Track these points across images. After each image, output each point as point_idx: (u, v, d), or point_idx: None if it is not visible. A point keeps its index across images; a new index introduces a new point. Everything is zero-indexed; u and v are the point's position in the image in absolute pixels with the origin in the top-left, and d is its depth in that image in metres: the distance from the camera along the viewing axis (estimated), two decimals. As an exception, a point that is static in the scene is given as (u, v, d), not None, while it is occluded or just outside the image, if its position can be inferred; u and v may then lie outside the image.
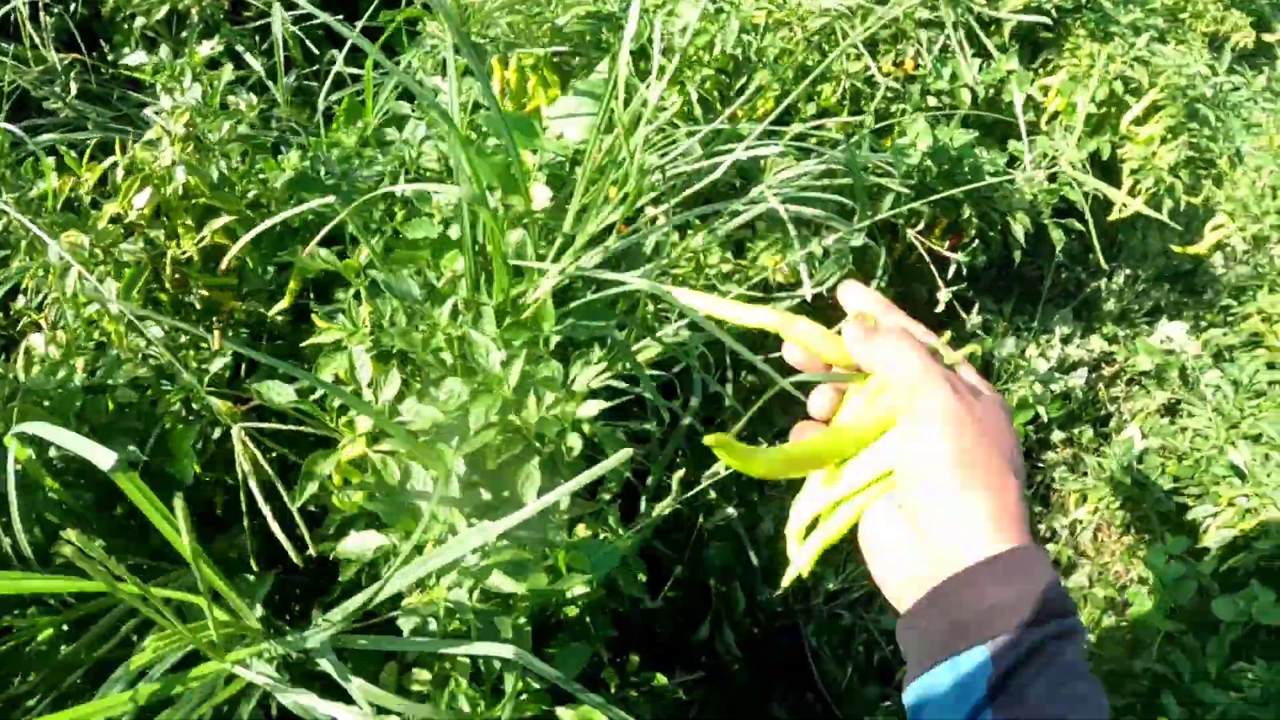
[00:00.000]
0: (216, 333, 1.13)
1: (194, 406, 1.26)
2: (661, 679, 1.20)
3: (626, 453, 0.79)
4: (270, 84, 1.79)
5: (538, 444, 0.95)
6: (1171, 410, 2.06)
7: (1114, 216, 1.97)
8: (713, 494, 1.65)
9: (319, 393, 1.06)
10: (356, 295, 1.17)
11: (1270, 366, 2.11)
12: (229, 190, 1.38)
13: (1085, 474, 1.93)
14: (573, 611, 1.08)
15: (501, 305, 1.03)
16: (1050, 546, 1.91)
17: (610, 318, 1.10)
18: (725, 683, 1.66)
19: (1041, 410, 1.94)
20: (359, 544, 0.92)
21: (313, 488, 0.94)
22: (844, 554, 1.78)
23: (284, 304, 1.35)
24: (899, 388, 0.67)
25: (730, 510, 1.63)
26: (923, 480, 0.65)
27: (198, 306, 1.39)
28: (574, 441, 0.96)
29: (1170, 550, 1.81)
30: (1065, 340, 2.11)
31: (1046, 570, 0.62)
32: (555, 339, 1.05)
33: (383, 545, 0.91)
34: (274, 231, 1.34)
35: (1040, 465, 2.02)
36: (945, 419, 0.65)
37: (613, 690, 1.21)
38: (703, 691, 1.66)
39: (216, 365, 1.26)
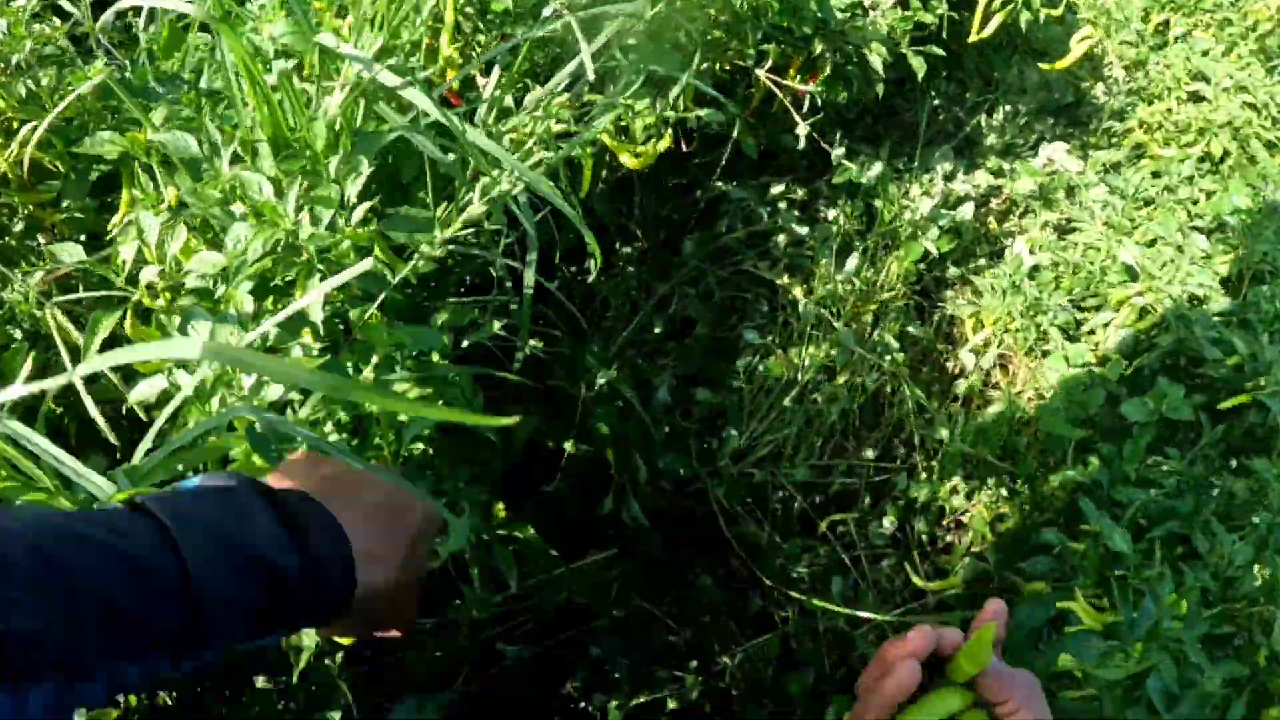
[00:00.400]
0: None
1: (25, 327, 1.18)
2: (529, 530, 1.14)
3: (366, 263, 0.75)
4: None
5: (321, 266, 0.89)
6: (1062, 231, 2.03)
7: (974, 37, 1.92)
8: (591, 361, 1.58)
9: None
10: (148, 169, 1.10)
11: (1155, 175, 2.09)
12: (38, 105, 1.29)
13: (981, 295, 1.89)
14: (416, 448, 1.02)
15: (277, 139, 0.95)
16: (961, 383, 1.87)
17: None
18: (640, 557, 1.60)
19: (929, 245, 1.89)
20: (146, 389, 0.84)
21: (97, 342, 0.86)
22: (745, 410, 1.72)
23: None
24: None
25: (610, 373, 1.55)
26: None
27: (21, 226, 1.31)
28: (353, 256, 0.90)
29: (1073, 360, 1.78)
30: (948, 177, 2.07)
31: None
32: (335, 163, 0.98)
33: (167, 388, 0.83)
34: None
35: (940, 304, 1.98)
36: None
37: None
38: (619, 569, 1.60)
39: (36, 277, 1.16)
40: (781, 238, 1.86)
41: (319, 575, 0.68)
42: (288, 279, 1.08)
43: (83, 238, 1.32)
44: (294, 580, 0.65)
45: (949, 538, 1.79)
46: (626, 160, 1.59)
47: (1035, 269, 1.88)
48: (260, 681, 1.30)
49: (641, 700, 1.55)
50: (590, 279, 1.71)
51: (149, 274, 0.92)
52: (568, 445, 1.54)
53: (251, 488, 0.68)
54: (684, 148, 1.87)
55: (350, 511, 0.71)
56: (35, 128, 1.22)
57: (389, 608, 0.75)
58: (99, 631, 0.57)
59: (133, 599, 0.58)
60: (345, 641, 0.92)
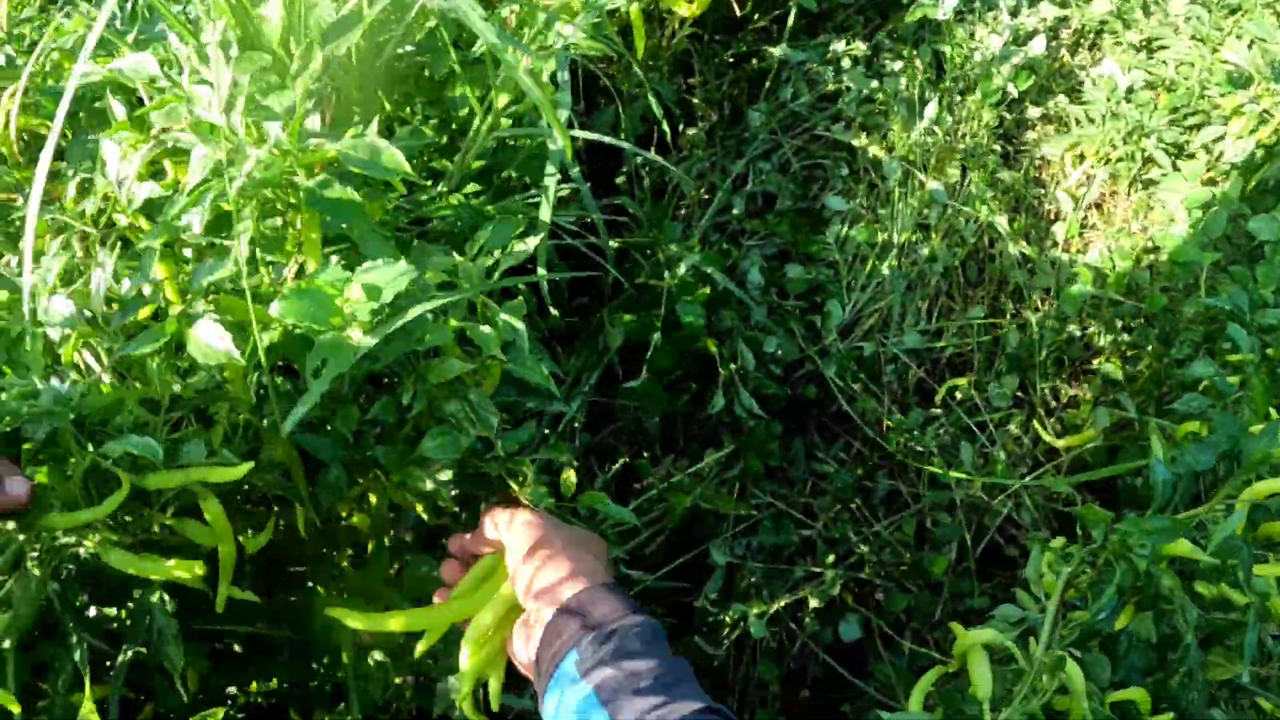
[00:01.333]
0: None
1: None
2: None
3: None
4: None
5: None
6: (1147, 51, 1.87)
7: None
8: (674, 249, 1.45)
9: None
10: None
11: (1236, -21, 1.92)
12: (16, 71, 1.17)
13: (1068, 129, 1.75)
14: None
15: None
16: (1058, 228, 1.74)
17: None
18: (760, 451, 1.48)
19: (1006, 83, 1.74)
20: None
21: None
22: (843, 282, 1.59)
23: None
24: (503, 527, 0.95)
25: (695, 258, 1.42)
26: (518, 572, 0.90)
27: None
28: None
29: (1190, 178, 1.63)
30: (1013, 13, 1.91)
31: (615, 593, 0.85)
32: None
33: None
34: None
35: (1024, 148, 1.83)
36: (529, 530, 0.92)
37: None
38: (738, 467, 1.48)
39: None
40: (851, 97, 1.71)
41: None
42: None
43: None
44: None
45: (1075, 390, 1.67)
46: (680, 7, 1.44)
47: (1130, 91, 1.73)
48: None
49: (782, 603, 1.44)
50: (660, 160, 1.57)
51: (90, 204, 0.82)
52: (655, 337, 1.41)
53: None
54: (737, 11, 1.72)
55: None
56: (14, 92, 1.09)
57: None
58: None
59: None
60: None
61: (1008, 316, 1.66)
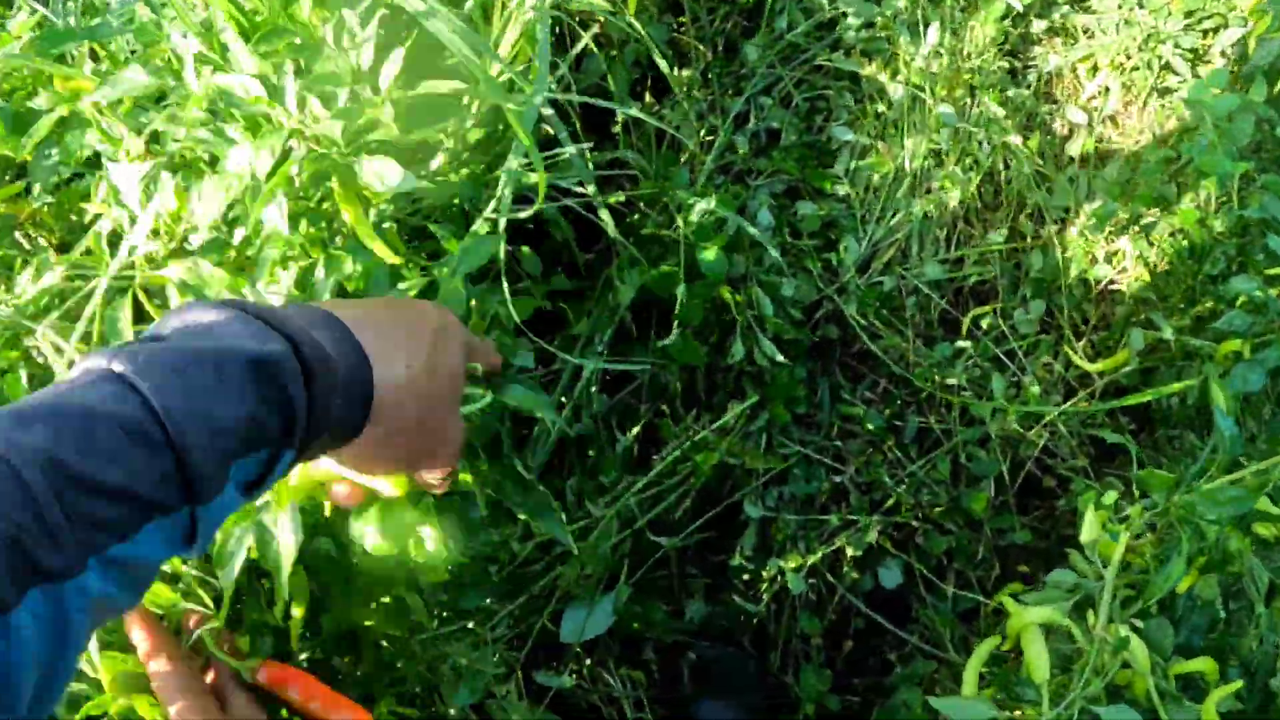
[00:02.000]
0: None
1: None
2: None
3: None
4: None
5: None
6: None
7: None
8: (681, 195, 1.38)
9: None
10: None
11: None
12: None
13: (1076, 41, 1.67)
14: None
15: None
16: (1074, 145, 1.66)
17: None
18: (784, 399, 1.42)
19: (1012, 0, 1.66)
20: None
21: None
22: (857, 216, 1.52)
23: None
24: None
25: (708, 202, 1.35)
26: None
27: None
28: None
29: (1211, 83, 1.56)
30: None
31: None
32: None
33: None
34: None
35: (1032, 63, 1.75)
36: None
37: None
38: (764, 417, 1.42)
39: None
40: (849, 23, 1.63)
41: (315, 359, 0.59)
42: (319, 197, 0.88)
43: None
44: (287, 368, 0.57)
45: (1105, 312, 1.61)
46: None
47: (1141, -5, 1.65)
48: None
49: (819, 555, 1.39)
50: (657, 106, 1.50)
51: (138, 237, 0.74)
52: (679, 291, 1.35)
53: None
54: (723, -62, 1.64)
55: (347, 309, 0.67)
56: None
57: (417, 426, 0.68)
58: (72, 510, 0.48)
59: (98, 460, 0.49)
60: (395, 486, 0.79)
61: (1028, 239, 1.59)
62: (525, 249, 1.39)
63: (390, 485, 0.77)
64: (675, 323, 1.35)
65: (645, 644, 1.39)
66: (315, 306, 0.65)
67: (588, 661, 1.37)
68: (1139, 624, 1.00)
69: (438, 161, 1.11)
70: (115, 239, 0.88)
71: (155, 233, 0.88)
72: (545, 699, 1.34)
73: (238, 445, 0.55)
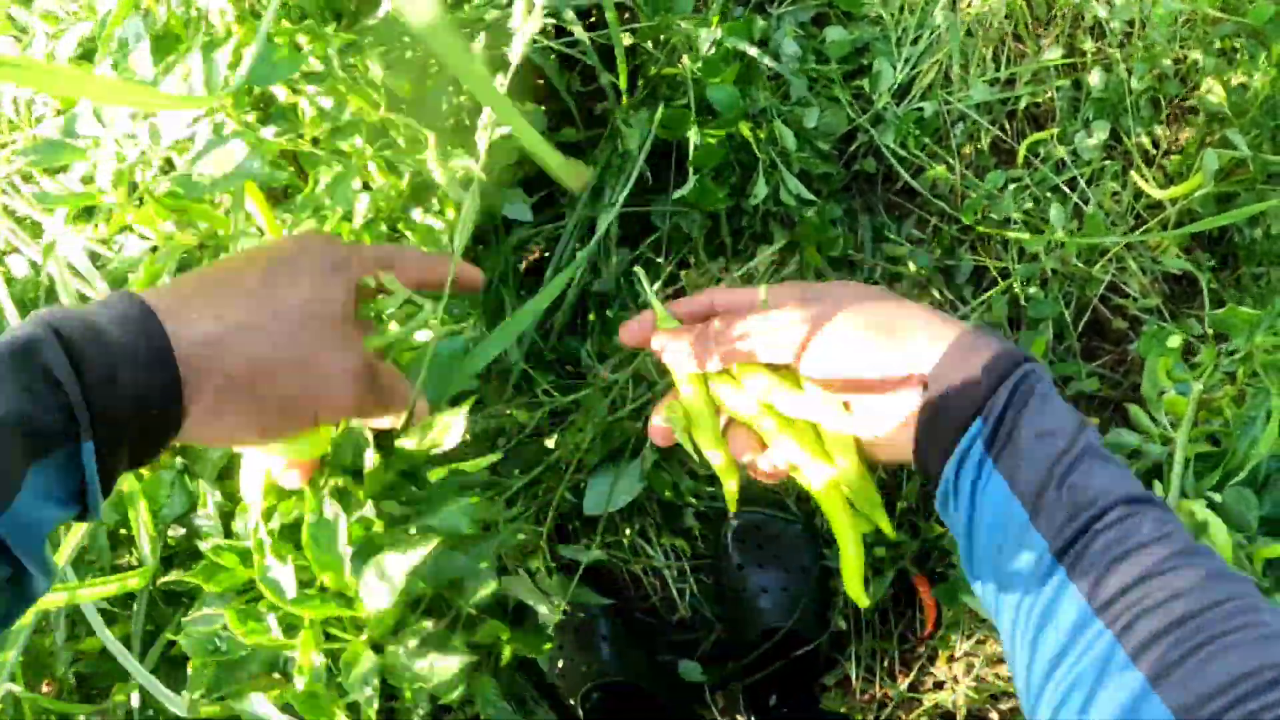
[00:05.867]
0: None
1: None
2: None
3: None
4: None
5: None
6: None
7: None
8: (686, 26, 1.25)
9: None
10: None
11: None
12: None
13: None
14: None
15: None
16: None
17: None
18: (816, 242, 1.30)
19: None
20: None
21: None
22: (891, 37, 1.37)
23: None
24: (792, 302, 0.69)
25: (715, 31, 1.21)
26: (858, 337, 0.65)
27: None
28: None
29: None
30: None
31: (995, 337, 0.63)
32: None
33: None
34: None
35: None
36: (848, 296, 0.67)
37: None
38: (794, 261, 1.30)
39: None
40: None
41: (79, 334, 0.52)
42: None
43: None
44: (44, 349, 0.50)
45: (1176, 133, 1.45)
46: None
47: None
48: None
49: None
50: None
51: None
52: (693, 132, 1.22)
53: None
54: None
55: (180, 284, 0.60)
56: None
57: (262, 376, 0.58)
58: None
59: None
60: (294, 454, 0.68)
61: (1088, 56, 1.43)
62: (529, 104, 1.28)
63: (284, 457, 0.66)
64: (690, 168, 1.23)
65: (685, 511, 1.30)
66: (116, 292, 0.57)
67: (628, 532, 1.28)
68: (1216, 497, 0.86)
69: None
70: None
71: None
72: (576, 574, 1.26)
73: (17, 444, 0.48)
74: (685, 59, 1.25)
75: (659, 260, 1.28)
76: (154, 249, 0.85)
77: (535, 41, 1.24)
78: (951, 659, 1.36)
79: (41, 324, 0.51)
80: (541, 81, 1.39)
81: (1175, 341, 1.01)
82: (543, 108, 1.24)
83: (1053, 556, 0.56)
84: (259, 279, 0.60)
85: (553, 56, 1.28)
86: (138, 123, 0.71)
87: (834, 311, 0.66)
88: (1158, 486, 0.89)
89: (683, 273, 1.28)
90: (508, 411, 1.13)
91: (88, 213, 0.79)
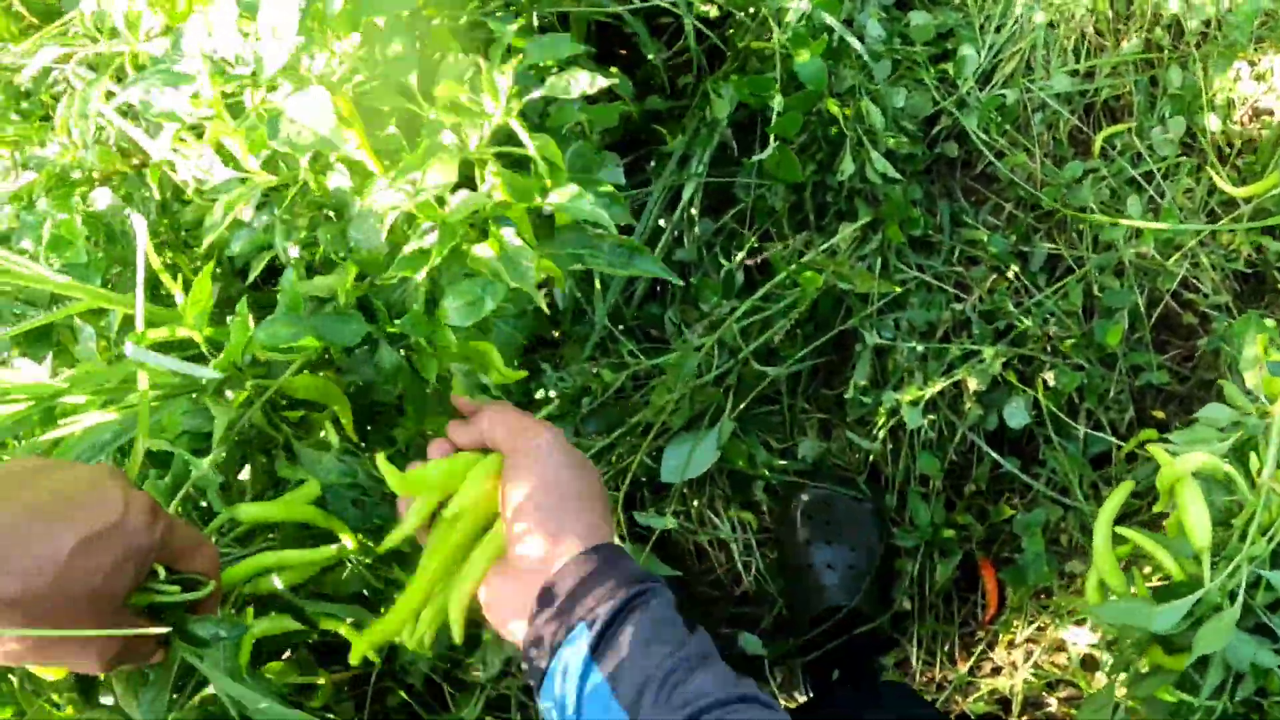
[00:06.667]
0: None
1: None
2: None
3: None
4: None
5: None
6: None
7: None
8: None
9: None
10: None
11: None
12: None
13: None
14: None
15: None
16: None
17: None
18: (899, 222, 1.30)
19: None
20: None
21: None
22: (974, 23, 1.38)
23: None
24: (503, 439, 0.74)
25: (802, 4, 1.22)
26: (518, 508, 0.71)
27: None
28: None
29: None
30: None
31: (626, 558, 0.69)
32: None
33: None
34: None
35: None
36: (538, 455, 0.72)
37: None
38: (876, 241, 1.31)
39: None
40: None
41: None
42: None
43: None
44: None
45: (1252, 130, 1.45)
46: None
47: None
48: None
49: (938, 387, 1.28)
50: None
51: None
52: (774, 102, 1.23)
53: None
54: None
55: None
56: None
57: (49, 628, 0.57)
58: None
59: None
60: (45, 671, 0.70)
61: (1165, 53, 1.44)
62: (614, 69, 1.29)
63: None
64: (771, 136, 1.24)
65: (754, 484, 1.30)
66: None
67: (694, 503, 1.29)
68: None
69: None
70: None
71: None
72: (648, 544, 1.26)
73: None
74: (775, 32, 1.26)
75: (743, 231, 1.29)
76: (243, 180, 0.85)
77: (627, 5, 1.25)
78: (1011, 645, 1.37)
79: None
80: (624, 52, 1.41)
81: (1265, 328, 1.02)
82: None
83: None
84: (68, 552, 0.58)
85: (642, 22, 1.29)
86: (247, 42, 0.71)
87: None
88: (1254, 459, 0.90)
89: (765, 245, 1.28)
90: (594, 371, 1.13)
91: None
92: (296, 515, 0.73)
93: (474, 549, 0.73)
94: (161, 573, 0.65)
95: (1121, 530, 0.91)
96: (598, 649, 0.64)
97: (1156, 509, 0.95)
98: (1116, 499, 0.97)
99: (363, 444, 0.86)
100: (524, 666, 0.70)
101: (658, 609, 0.66)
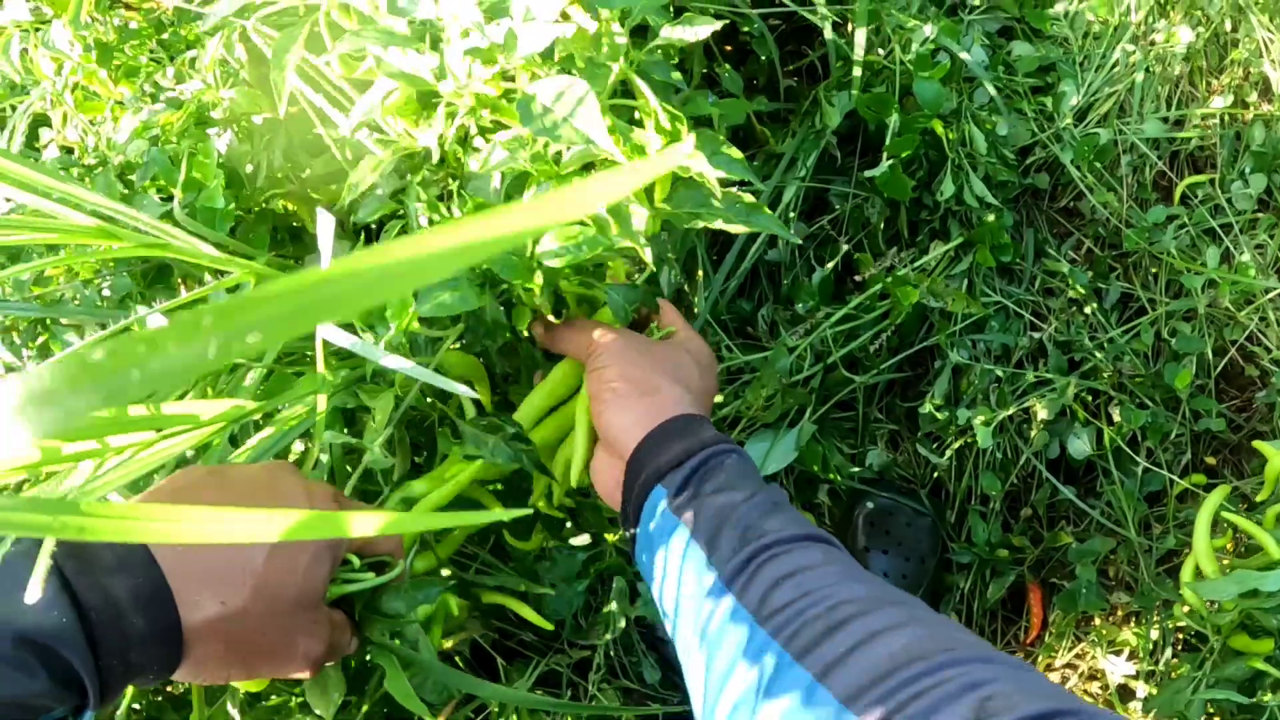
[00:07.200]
0: None
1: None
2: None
3: None
4: None
5: None
6: None
7: None
8: (900, 16, 1.28)
9: None
10: None
11: None
12: None
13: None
14: None
15: None
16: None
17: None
18: (989, 243, 1.33)
19: None
20: None
21: None
22: (1075, 62, 1.41)
23: None
24: (579, 350, 0.82)
25: (927, 30, 1.25)
26: (595, 398, 0.78)
27: None
28: None
29: None
30: None
31: (702, 423, 0.74)
32: None
33: None
34: None
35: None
36: (609, 353, 0.78)
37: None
38: (968, 260, 1.34)
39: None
40: None
41: (105, 620, 0.56)
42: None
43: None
44: (68, 640, 0.54)
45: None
46: None
47: None
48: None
49: (1010, 411, 1.31)
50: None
51: None
52: (894, 119, 1.25)
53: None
54: None
55: (167, 550, 0.62)
56: None
57: (242, 649, 0.62)
58: None
59: None
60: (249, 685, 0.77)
61: (1250, 110, 1.48)
62: (726, 67, 1.31)
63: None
64: (885, 154, 1.27)
65: (820, 486, 1.32)
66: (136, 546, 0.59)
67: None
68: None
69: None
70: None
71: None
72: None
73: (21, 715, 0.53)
74: (895, 47, 1.29)
75: (837, 238, 1.31)
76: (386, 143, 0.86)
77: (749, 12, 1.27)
78: (1049, 669, 1.39)
79: (66, 606, 0.54)
80: (729, 48, 1.43)
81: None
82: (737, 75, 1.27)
83: (723, 583, 0.63)
84: (264, 558, 0.61)
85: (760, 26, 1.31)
86: (490, 22, 0.71)
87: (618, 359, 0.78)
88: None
89: (857, 255, 1.31)
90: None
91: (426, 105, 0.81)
92: (466, 493, 0.76)
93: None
94: (355, 561, 0.67)
95: (1227, 516, 0.99)
96: (677, 502, 0.69)
97: (1258, 498, 1.11)
98: (1217, 496, 1.12)
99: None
100: (625, 533, 0.77)
101: (733, 466, 0.71)
